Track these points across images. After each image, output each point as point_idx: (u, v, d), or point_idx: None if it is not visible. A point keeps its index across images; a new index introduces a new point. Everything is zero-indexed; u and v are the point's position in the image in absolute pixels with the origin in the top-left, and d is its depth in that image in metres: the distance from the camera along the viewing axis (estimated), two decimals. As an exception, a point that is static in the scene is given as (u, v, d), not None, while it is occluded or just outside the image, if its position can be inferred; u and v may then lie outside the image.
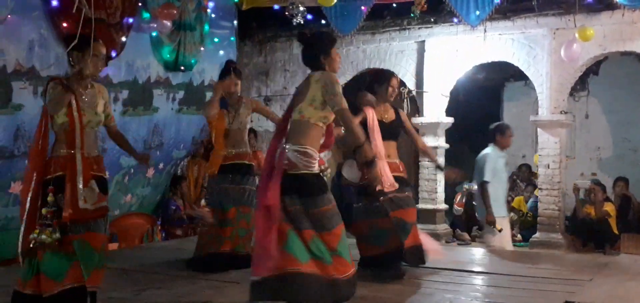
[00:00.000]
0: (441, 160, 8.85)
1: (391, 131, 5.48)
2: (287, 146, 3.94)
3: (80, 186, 4.04)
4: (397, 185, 5.27)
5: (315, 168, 3.96)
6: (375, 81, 5.53)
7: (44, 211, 3.96)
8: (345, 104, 3.99)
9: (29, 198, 4.04)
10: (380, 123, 5.39)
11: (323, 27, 9.23)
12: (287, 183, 3.87)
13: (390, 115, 5.53)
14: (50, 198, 3.99)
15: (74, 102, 4.12)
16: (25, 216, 4.02)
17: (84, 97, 4.23)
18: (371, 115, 5.36)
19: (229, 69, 5.84)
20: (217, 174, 5.72)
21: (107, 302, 4.41)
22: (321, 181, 4.00)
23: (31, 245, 3.96)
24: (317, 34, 4.30)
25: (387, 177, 5.24)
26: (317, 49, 4.16)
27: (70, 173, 4.03)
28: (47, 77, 6.05)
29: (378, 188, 5.17)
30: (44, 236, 3.92)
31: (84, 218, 4.03)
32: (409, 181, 5.57)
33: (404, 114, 5.69)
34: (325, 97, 3.98)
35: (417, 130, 8.95)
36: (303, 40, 4.23)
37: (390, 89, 5.48)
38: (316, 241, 3.84)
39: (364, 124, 5.32)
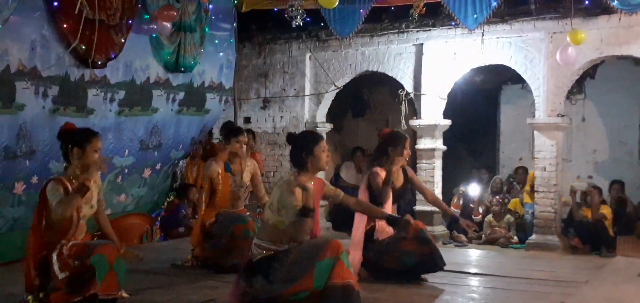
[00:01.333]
0: (438, 162, 8.90)
1: (399, 195, 5.69)
2: (255, 240, 4.29)
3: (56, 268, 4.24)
4: (391, 231, 5.48)
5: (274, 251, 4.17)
6: (390, 145, 5.61)
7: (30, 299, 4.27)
8: (300, 209, 4.13)
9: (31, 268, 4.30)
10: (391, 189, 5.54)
11: (322, 29, 9.30)
12: (250, 270, 4.21)
13: (400, 179, 5.69)
14: (36, 282, 4.26)
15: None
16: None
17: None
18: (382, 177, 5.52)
19: (238, 130, 6.16)
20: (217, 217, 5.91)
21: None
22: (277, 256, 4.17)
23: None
24: (303, 134, 4.53)
25: (383, 231, 5.46)
26: (301, 148, 4.31)
27: (50, 257, 4.27)
28: (47, 77, 6.11)
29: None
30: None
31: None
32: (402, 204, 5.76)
33: (411, 171, 5.86)
34: (280, 205, 4.16)
35: (415, 133, 9.03)
36: (290, 140, 4.39)
37: (405, 152, 5.59)
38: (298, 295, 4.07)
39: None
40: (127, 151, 7.43)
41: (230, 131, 6.18)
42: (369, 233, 5.43)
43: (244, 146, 6.06)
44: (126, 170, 7.57)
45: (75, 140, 4.37)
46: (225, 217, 5.87)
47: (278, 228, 4.17)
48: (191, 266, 6.00)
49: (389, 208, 5.47)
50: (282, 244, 4.18)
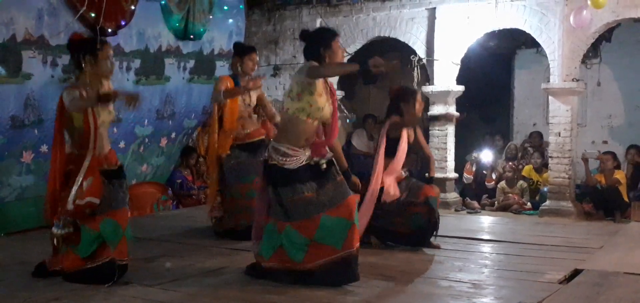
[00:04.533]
0: (451, 129, 8.83)
1: (410, 149, 5.64)
2: (272, 142, 4.27)
3: (80, 183, 4.18)
4: (397, 196, 5.42)
5: (290, 165, 4.14)
6: (402, 100, 5.57)
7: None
8: (313, 68, 4.14)
9: (52, 188, 4.29)
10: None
11: (333, -5, 9.20)
12: (266, 174, 4.23)
13: (412, 134, 5.66)
14: (64, 194, 4.20)
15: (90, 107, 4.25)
16: (49, 200, 4.31)
17: None
18: (405, 137, 5.50)
19: (251, 48, 6.02)
20: (231, 151, 5.78)
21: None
22: (292, 174, 4.13)
23: (52, 239, 4.27)
24: (319, 29, 4.49)
25: (393, 191, 5.39)
26: (318, 42, 4.30)
27: (76, 171, 4.21)
28: (56, 46, 6.07)
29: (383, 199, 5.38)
30: (58, 231, 4.25)
31: (84, 212, 4.20)
32: (413, 171, 5.70)
33: (418, 128, 5.80)
34: (301, 76, 4.16)
35: (428, 99, 8.95)
36: (304, 36, 4.34)
37: (417, 105, 5.55)
38: (288, 232, 4.13)
39: (396, 142, 5.47)
40: (146, 120, 7.45)
41: (243, 49, 6.02)
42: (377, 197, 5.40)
43: (256, 64, 5.97)
44: (147, 140, 7.59)
45: (87, 48, 4.31)
46: (232, 170, 5.79)
47: (299, 119, 4.13)
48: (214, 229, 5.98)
49: (400, 161, 5.44)
50: (298, 145, 4.15)
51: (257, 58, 6.05)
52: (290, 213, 4.11)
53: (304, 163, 4.16)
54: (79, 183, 4.14)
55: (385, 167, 5.41)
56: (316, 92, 4.14)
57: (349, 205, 4.10)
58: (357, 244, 4.16)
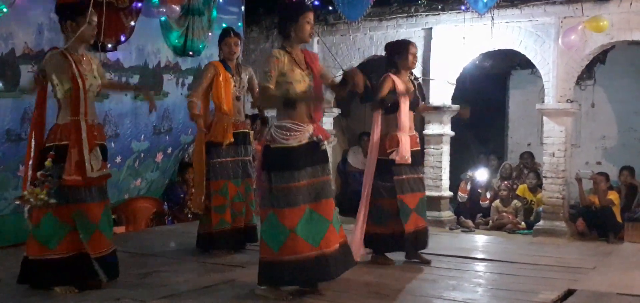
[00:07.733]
0: (446, 148, 8.87)
1: (413, 102, 5.57)
2: (273, 122, 4.25)
3: (87, 153, 4.14)
4: (410, 160, 5.37)
5: (292, 142, 4.11)
6: (395, 54, 5.56)
7: (38, 174, 4.10)
8: (264, 83, 4.15)
9: (30, 165, 4.23)
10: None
11: (330, 14, 9.26)
12: (264, 158, 4.17)
13: (411, 86, 5.61)
14: (48, 163, 4.11)
15: (75, 69, 4.22)
16: (28, 182, 4.23)
17: (82, 63, 4.32)
18: (399, 83, 5.41)
19: (227, 31, 5.86)
20: (219, 148, 5.67)
21: (112, 285, 4.47)
22: (292, 156, 4.10)
23: (20, 201, 4.17)
24: (289, 3, 4.41)
25: (405, 151, 5.34)
26: (286, 17, 4.26)
27: (76, 139, 4.13)
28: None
29: (395, 158, 5.30)
30: (41, 197, 4.05)
31: (88, 185, 4.17)
32: (421, 159, 5.63)
33: (418, 82, 5.76)
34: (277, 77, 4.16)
35: (423, 118, 9.00)
36: (278, 7, 4.36)
37: (410, 57, 5.53)
38: (270, 218, 4.07)
39: (393, 92, 5.40)
40: (142, 136, 7.47)
41: (221, 35, 5.87)
42: (389, 160, 5.33)
43: (234, 47, 5.77)
44: (142, 155, 7.60)
45: (68, 13, 4.26)
46: (229, 163, 5.71)
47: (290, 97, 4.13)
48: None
49: (406, 114, 5.39)
50: (302, 120, 4.16)
51: (233, 41, 5.80)
52: (277, 200, 4.06)
53: (306, 140, 4.15)
54: (87, 156, 4.09)
55: (390, 124, 5.38)
56: (287, 71, 4.16)
57: (330, 205, 4.17)
58: (335, 245, 4.15)
